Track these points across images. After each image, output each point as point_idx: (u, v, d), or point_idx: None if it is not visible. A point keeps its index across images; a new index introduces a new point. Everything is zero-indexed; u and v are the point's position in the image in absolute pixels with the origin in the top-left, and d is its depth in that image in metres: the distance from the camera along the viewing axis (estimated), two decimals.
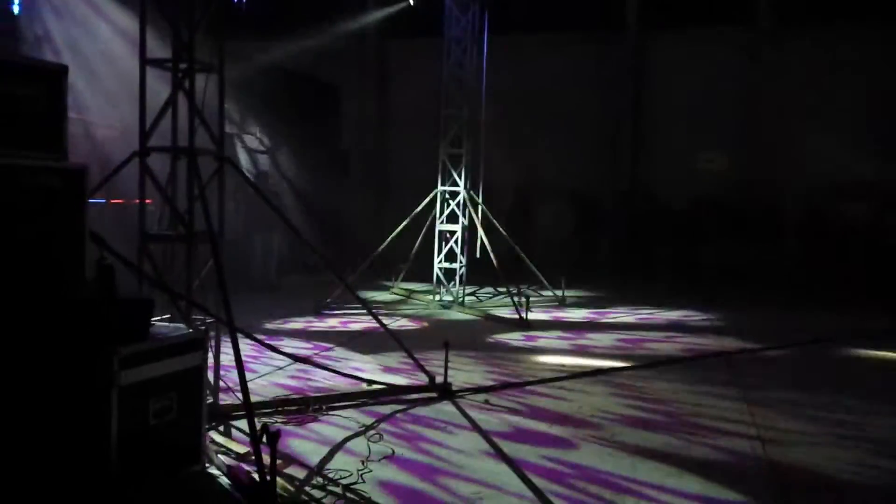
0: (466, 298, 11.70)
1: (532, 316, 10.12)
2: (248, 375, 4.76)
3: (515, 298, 10.58)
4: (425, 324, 9.86)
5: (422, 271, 12.22)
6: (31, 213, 4.09)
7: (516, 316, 10.04)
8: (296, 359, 6.52)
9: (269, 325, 9.38)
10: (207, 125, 5.15)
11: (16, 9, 12.02)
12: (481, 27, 11.84)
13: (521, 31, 16.65)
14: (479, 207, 11.88)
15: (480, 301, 11.96)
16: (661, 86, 16.99)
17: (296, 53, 14.95)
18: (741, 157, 16.18)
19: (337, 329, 9.28)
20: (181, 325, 4.83)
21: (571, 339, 8.99)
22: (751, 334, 9.25)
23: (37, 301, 4.03)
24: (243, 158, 13.98)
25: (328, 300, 10.53)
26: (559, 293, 11.99)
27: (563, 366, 7.38)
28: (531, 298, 10.75)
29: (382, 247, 11.53)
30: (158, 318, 4.91)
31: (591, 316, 10.84)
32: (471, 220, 11.76)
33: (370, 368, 7.05)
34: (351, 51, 17.91)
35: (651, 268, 16.04)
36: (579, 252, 16.69)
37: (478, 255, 11.89)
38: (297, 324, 9.64)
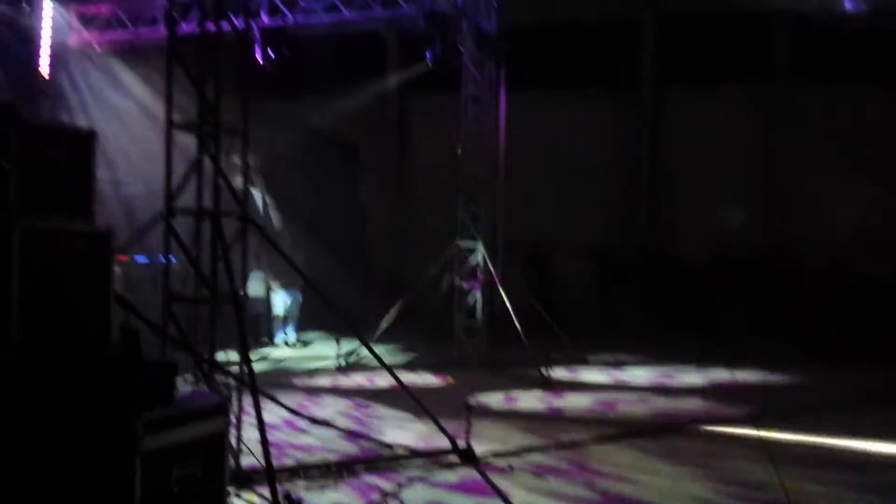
0: (485, 355, 11.58)
1: (553, 374, 9.99)
2: (270, 438, 4.70)
3: (536, 356, 10.45)
4: (450, 379, 9.76)
5: (443, 327, 12.13)
6: (58, 277, 4.11)
7: (537, 374, 9.91)
8: (315, 421, 6.44)
9: (297, 382, 9.33)
10: (232, 187, 5.20)
11: (45, 71, 12.34)
12: (498, 84, 11.99)
13: (538, 87, 16.85)
14: (498, 263, 11.85)
15: (500, 358, 11.83)
16: (677, 140, 17.06)
17: (317, 111, 15.20)
18: (761, 211, 16.13)
19: (363, 386, 9.20)
20: (205, 389, 4.80)
21: (595, 398, 8.85)
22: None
23: (62, 364, 4.02)
24: (265, 214, 14.09)
25: (350, 358, 10.47)
26: (579, 350, 11.85)
27: (588, 426, 7.25)
28: (551, 356, 10.62)
29: (399, 304, 11.48)
30: (181, 377, 4.87)
31: (615, 373, 10.69)
32: (489, 276, 11.72)
33: (393, 429, 6.95)
34: (370, 107, 18.18)
35: (671, 323, 15.87)
36: (599, 308, 16.57)
37: (496, 312, 11.81)
38: (324, 380, 9.58)
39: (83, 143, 4.27)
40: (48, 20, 12.41)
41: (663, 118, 17.35)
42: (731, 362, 11.49)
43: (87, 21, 13.10)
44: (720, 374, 10.48)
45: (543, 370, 9.85)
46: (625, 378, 10.24)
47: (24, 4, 11.77)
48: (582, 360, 11.66)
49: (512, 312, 10.97)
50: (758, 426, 7.10)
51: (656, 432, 7.13)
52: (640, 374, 10.54)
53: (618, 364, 11.39)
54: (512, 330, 10.98)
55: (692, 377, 10.30)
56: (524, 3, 13.43)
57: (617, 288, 16.99)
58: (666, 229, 17.03)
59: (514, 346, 12.29)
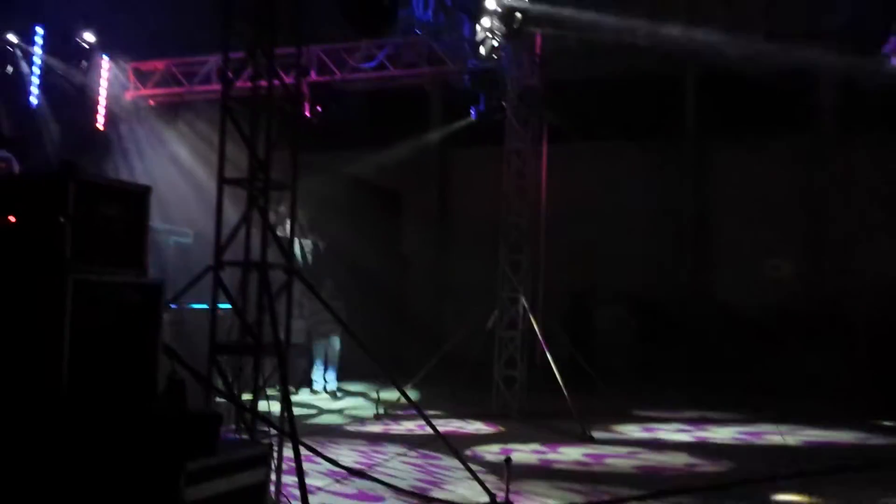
0: (525, 405, 11.48)
1: (594, 426, 9.84)
2: (309, 487, 4.72)
3: (577, 409, 10.32)
4: (502, 428, 9.67)
5: (483, 376, 12.07)
6: (109, 327, 4.23)
7: (578, 428, 9.78)
8: (352, 472, 6.44)
9: (341, 430, 9.36)
10: (279, 240, 5.33)
11: (101, 124, 12.84)
12: (541, 137, 12.11)
13: (580, 140, 16.95)
14: (539, 313, 11.81)
15: (540, 409, 11.71)
16: (722, 191, 16.96)
17: (361, 162, 15.50)
18: (808, 262, 15.86)
19: (405, 434, 9.18)
20: (246, 439, 4.86)
21: (639, 454, 8.69)
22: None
23: (108, 414, 4.11)
24: (307, 261, 14.32)
25: (389, 409, 10.48)
26: (621, 402, 11.69)
27: (629, 485, 7.12)
28: (592, 408, 10.48)
29: (439, 355, 11.48)
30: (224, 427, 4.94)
31: (657, 427, 10.50)
32: (530, 326, 11.68)
33: (434, 480, 6.91)
34: (413, 158, 18.46)
35: (716, 375, 15.55)
36: (642, 358, 16.35)
37: (538, 362, 11.73)
38: (374, 427, 9.59)
39: (138, 199, 4.43)
40: (105, 76, 12.95)
41: (707, 169, 17.28)
42: (780, 417, 11.20)
43: (142, 77, 13.64)
44: (761, 429, 10.21)
45: (584, 425, 9.71)
46: (663, 434, 10.04)
47: (82, 61, 12.30)
48: (624, 413, 11.48)
49: (552, 362, 10.89)
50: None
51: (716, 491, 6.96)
52: (680, 429, 10.33)
53: (661, 419, 11.18)
54: (552, 380, 10.88)
55: (732, 432, 10.06)
56: (566, 59, 13.60)
57: (660, 338, 16.76)
58: (710, 280, 16.83)
59: (554, 397, 12.16)
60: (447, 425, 9.90)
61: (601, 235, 17.20)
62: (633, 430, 10.33)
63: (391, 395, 10.75)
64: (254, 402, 5.32)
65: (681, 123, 17.42)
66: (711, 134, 17.11)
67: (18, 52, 11.46)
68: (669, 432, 10.12)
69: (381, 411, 10.58)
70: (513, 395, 11.49)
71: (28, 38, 11.54)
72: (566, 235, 15.86)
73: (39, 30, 11.64)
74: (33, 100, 11.76)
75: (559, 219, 13.97)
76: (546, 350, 11.07)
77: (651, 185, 17.29)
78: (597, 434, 9.66)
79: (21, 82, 11.58)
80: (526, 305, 11.63)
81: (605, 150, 17.44)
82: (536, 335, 11.44)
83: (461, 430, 9.86)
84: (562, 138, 13.69)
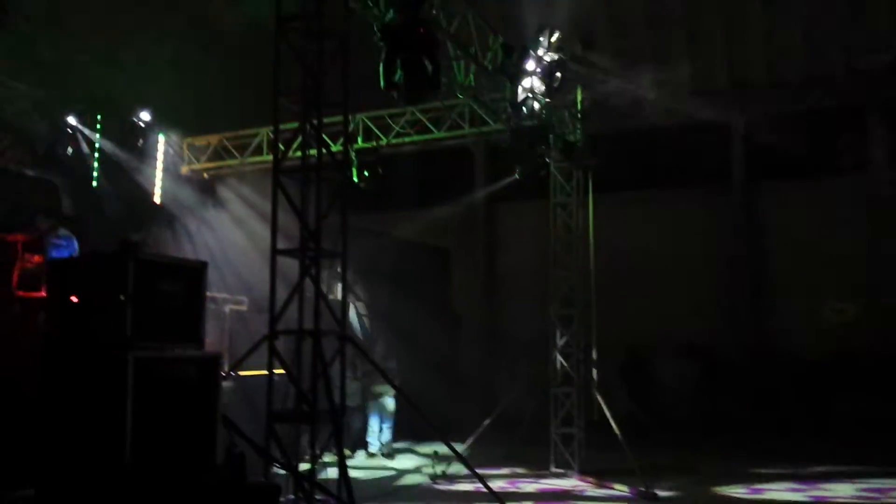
0: (584, 463, 11.23)
1: (659, 486, 9.55)
2: None
3: (640, 466, 10.05)
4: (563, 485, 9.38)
5: (539, 433, 11.87)
6: (168, 400, 4.33)
7: (642, 487, 9.51)
8: None
9: (407, 491, 9.25)
10: (332, 309, 5.40)
11: (157, 198, 13.30)
12: (586, 189, 12.09)
13: (626, 189, 16.91)
14: (593, 367, 11.64)
15: (600, 467, 11.44)
16: (776, 235, 16.67)
17: (408, 222, 15.68)
18: (869, 304, 15.39)
19: (466, 493, 9.04)
20: None
21: None
22: None
23: (171, 486, 4.17)
24: (358, 323, 14.42)
25: (444, 470, 10.36)
26: (685, 457, 11.35)
27: None
28: (654, 463, 10.20)
29: (494, 415, 11.34)
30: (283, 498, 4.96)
31: (763, 487, 9.83)
32: (585, 380, 11.51)
33: None
34: (460, 215, 18.61)
35: (782, 424, 15.04)
36: (702, 409, 15.92)
37: (595, 418, 11.50)
38: (433, 490, 9.50)
39: (194, 274, 4.58)
40: (160, 152, 13.47)
41: (759, 213, 17.03)
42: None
43: (196, 151, 14.16)
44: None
45: (647, 486, 9.42)
46: (775, 494, 9.48)
47: (139, 139, 12.83)
48: (690, 470, 11.13)
49: (610, 417, 10.66)
50: None
51: None
52: (792, 488, 9.77)
53: (726, 469, 10.79)
54: (611, 436, 10.63)
55: (852, 488, 9.34)
56: (608, 112, 13.68)
57: (722, 387, 16.33)
58: (771, 325, 16.42)
59: (614, 454, 11.86)
60: (505, 486, 9.74)
61: (654, 285, 16.98)
62: (739, 491, 9.76)
63: (447, 455, 10.63)
64: (311, 471, 5.33)
65: (730, 168, 17.26)
66: (762, 176, 16.91)
67: (79, 135, 12.00)
68: (780, 491, 9.32)
69: (439, 472, 10.47)
70: (571, 454, 11.26)
71: (87, 121, 12.10)
72: (618, 287, 15.68)
73: (98, 113, 12.19)
74: (93, 179, 12.26)
75: (610, 270, 13.82)
76: (603, 405, 10.86)
77: (702, 230, 17.08)
78: (661, 492, 9.36)
79: (81, 163, 12.10)
80: (580, 360, 11.49)
81: (652, 198, 17.35)
82: (593, 390, 11.25)
83: (521, 491, 9.68)
84: (608, 189, 13.66)
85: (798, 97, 16.18)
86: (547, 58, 9.74)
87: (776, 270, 16.60)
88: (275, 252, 5.43)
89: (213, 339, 4.67)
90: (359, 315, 14.75)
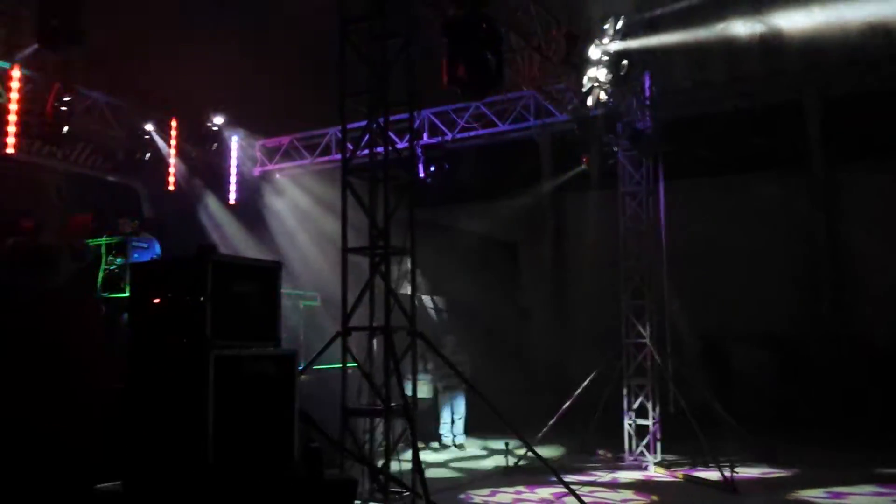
0: (662, 457, 11.07)
1: (738, 477, 9.34)
2: None
3: (717, 459, 9.85)
4: (654, 497, 9.20)
5: (611, 425, 11.75)
6: (247, 398, 4.45)
7: (719, 476, 9.32)
8: None
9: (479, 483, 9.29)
10: (402, 305, 5.47)
11: (232, 199, 13.66)
12: (656, 178, 11.88)
13: (699, 176, 16.53)
14: (668, 358, 11.45)
15: (676, 461, 11.27)
16: (856, 220, 16.03)
17: (476, 215, 15.70)
18: None
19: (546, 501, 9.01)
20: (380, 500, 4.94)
21: None
22: None
23: (250, 482, 4.30)
24: (429, 319, 14.53)
25: (517, 462, 10.37)
26: (765, 449, 11.06)
27: None
28: (731, 455, 9.97)
29: (566, 408, 11.27)
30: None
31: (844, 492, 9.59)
32: (659, 372, 11.33)
33: None
34: (527, 208, 18.52)
35: (864, 417, 14.47)
36: (781, 401, 15.46)
37: (671, 410, 11.32)
38: (506, 482, 9.48)
39: (270, 274, 4.70)
40: (234, 155, 13.84)
41: (838, 196, 16.40)
42: None
43: (268, 152, 14.51)
44: None
45: (725, 479, 9.22)
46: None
47: (213, 142, 13.20)
48: (771, 460, 10.84)
49: (686, 410, 10.48)
50: None
51: None
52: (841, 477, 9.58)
53: (807, 461, 10.48)
54: (687, 428, 10.45)
55: None
56: (678, 97, 13.39)
57: (800, 378, 15.83)
58: (852, 314, 15.82)
59: (690, 446, 11.66)
60: (579, 478, 9.69)
61: (729, 273, 16.56)
62: (782, 473, 9.65)
63: (521, 447, 10.63)
64: (386, 464, 5.42)
65: (805, 150, 16.67)
66: (840, 158, 16.27)
67: (156, 140, 12.43)
68: (863, 495, 8.85)
69: (511, 464, 10.48)
70: (647, 446, 11.12)
71: (164, 126, 12.52)
72: (691, 275, 15.36)
73: (174, 118, 12.60)
74: (170, 183, 12.69)
75: (682, 259, 13.55)
76: (678, 396, 10.69)
77: (779, 216, 16.55)
78: (740, 480, 9.15)
79: (159, 167, 12.53)
80: (654, 350, 11.31)
81: (726, 184, 16.90)
82: (668, 382, 11.08)
83: (599, 481, 9.60)
84: (679, 175, 13.37)
85: (877, 75, 15.50)
86: (612, 46, 9.60)
87: (857, 256, 15.97)
88: (345, 250, 5.53)
89: (286, 335, 4.81)
90: (429, 310, 14.87)
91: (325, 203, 12.93)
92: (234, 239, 13.16)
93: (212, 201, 13.58)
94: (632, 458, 11.14)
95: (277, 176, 14.62)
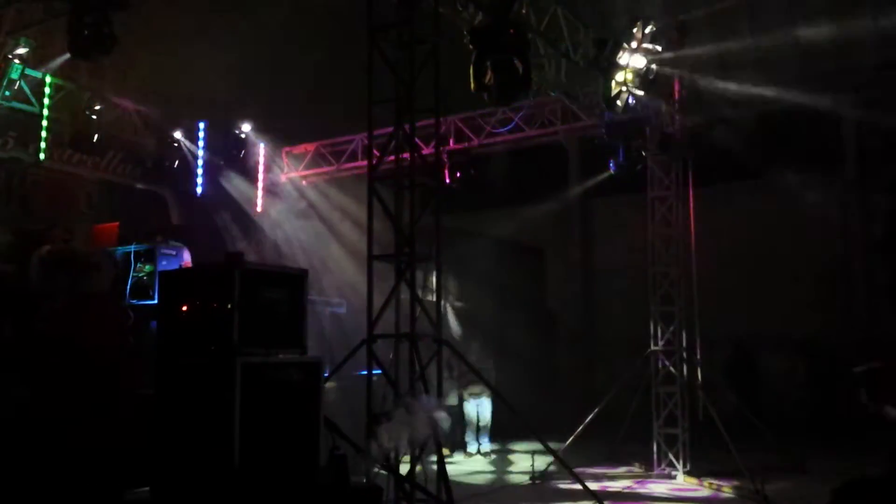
0: (691, 466, 10.91)
1: (769, 487, 9.17)
2: None
3: (748, 468, 9.68)
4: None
5: (640, 432, 11.62)
6: (273, 404, 4.46)
7: (750, 487, 9.17)
8: None
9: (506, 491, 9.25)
10: (427, 312, 5.45)
11: (259, 205, 13.76)
12: (686, 182, 11.75)
13: (728, 180, 16.33)
14: (697, 365, 11.30)
15: (706, 468, 11.10)
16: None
17: (503, 220, 15.66)
18: None
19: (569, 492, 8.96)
20: None
21: None
22: None
23: (277, 487, 4.30)
24: (454, 324, 14.49)
25: (543, 470, 10.29)
26: (797, 458, 10.87)
27: None
28: (763, 464, 9.80)
29: (593, 415, 11.16)
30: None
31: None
32: (689, 379, 11.19)
33: None
34: (554, 212, 18.43)
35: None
36: (816, 408, 15.21)
37: (700, 418, 11.16)
38: (533, 491, 9.44)
39: (296, 281, 4.70)
40: (261, 161, 13.94)
41: (873, 201, 16.11)
42: None
43: (294, 159, 14.59)
44: None
45: (757, 489, 9.07)
46: None
47: (241, 150, 13.31)
48: (802, 470, 10.65)
49: (716, 417, 10.32)
50: None
51: None
52: None
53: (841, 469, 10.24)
54: (717, 436, 10.30)
55: None
56: (709, 100, 13.24)
57: (834, 386, 15.54)
58: (885, 320, 15.51)
59: (720, 454, 11.49)
60: (606, 486, 9.59)
61: (760, 278, 16.33)
62: (815, 487, 9.47)
63: (546, 456, 10.55)
64: (411, 471, 5.39)
65: (842, 154, 16.40)
66: (877, 162, 15.97)
67: (184, 148, 12.56)
68: None
69: (537, 472, 10.40)
70: (675, 454, 10.97)
71: (192, 134, 12.64)
72: (722, 281, 15.17)
73: (202, 125, 12.72)
74: (198, 190, 12.80)
75: (713, 264, 13.39)
76: (708, 404, 10.54)
77: (813, 222, 16.29)
78: (772, 491, 8.99)
79: (187, 174, 12.66)
80: (683, 357, 11.17)
81: (758, 189, 16.68)
82: (697, 389, 10.93)
83: (624, 491, 9.50)
84: (709, 180, 13.22)
85: None
86: (640, 50, 9.52)
87: (891, 261, 15.66)
88: (371, 257, 5.52)
89: (311, 342, 4.83)
90: (454, 316, 14.83)
91: (351, 210, 12.98)
92: (261, 246, 13.25)
93: (239, 209, 13.68)
94: (661, 468, 11.00)
95: (304, 183, 14.69)
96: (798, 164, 16.49)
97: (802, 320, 15.95)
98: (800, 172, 16.47)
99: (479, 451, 12.87)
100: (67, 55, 8.49)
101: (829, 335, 15.82)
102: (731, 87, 11.35)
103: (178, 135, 12.48)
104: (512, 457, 12.67)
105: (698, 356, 11.46)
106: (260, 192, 13.90)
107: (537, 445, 10.32)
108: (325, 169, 14.24)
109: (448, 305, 14.47)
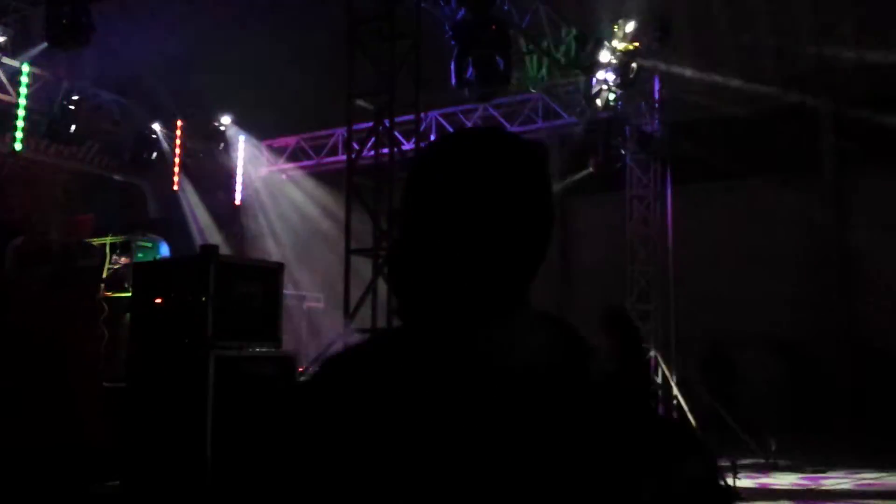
0: None
1: (739, 483, 9.25)
2: None
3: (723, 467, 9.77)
4: None
5: None
6: (247, 398, 4.43)
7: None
8: None
9: None
10: None
11: (238, 198, 13.66)
12: (664, 181, 11.85)
13: (707, 180, 16.43)
14: (673, 365, 11.40)
15: None
16: (868, 226, 15.92)
17: None
18: None
19: None
20: None
21: None
22: None
23: (247, 480, 4.28)
24: None
25: None
26: (769, 456, 10.97)
27: None
28: (737, 463, 9.89)
29: None
30: None
31: (805, 482, 9.71)
32: (664, 378, 11.29)
33: None
34: None
35: (876, 422, 14.36)
36: (790, 407, 15.36)
37: (674, 416, 11.26)
38: None
39: (272, 275, 4.67)
40: (241, 155, 13.84)
41: (850, 202, 16.30)
42: None
43: (275, 153, 14.50)
44: None
45: (727, 479, 9.15)
46: (818, 486, 9.29)
47: (220, 143, 13.21)
48: (774, 467, 10.75)
49: (691, 417, 10.43)
50: None
51: None
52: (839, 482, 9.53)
53: (810, 467, 10.38)
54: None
55: None
56: (687, 100, 13.34)
57: (810, 385, 15.72)
58: (862, 320, 15.70)
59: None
60: None
61: (738, 278, 16.44)
62: (783, 481, 9.58)
63: None
64: None
65: (819, 155, 16.55)
66: (854, 163, 16.15)
67: (162, 140, 12.44)
68: (825, 483, 9.34)
69: None
70: None
71: (170, 126, 12.52)
72: (699, 280, 15.27)
73: (180, 118, 12.60)
74: (175, 183, 12.68)
75: (690, 263, 13.50)
76: (683, 403, 10.64)
77: (789, 221, 16.43)
78: (742, 488, 9.07)
79: (165, 167, 12.54)
80: (659, 358, 11.27)
81: (736, 189, 16.79)
82: (672, 388, 11.04)
83: None
84: (688, 179, 13.31)
85: (890, 80, 15.39)
86: (622, 48, 9.56)
87: (869, 261, 15.86)
88: (349, 252, 5.50)
89: (289, 336, 4.80)
90: None
91: (330, 204, 12.92)
92: (237, 239, 13.15)
93: (217, 201, 13.58)
94: None
95: (284, 176, 14.61)
96: (777, 166, 16.64)
97: (780, 320, 16.10)
98: (778, 173, 16.62)
99: None
100: (45, 44, 8.39)
101: (806, 335, 15.98)
102: (711, 85, 11.46)
103: (156, 127, 12.36)
104: None
105: (673, 355, 11.57)
106: (239, 186, 13.80)
107: None
108: (306, 162, 14.17)
109: None
